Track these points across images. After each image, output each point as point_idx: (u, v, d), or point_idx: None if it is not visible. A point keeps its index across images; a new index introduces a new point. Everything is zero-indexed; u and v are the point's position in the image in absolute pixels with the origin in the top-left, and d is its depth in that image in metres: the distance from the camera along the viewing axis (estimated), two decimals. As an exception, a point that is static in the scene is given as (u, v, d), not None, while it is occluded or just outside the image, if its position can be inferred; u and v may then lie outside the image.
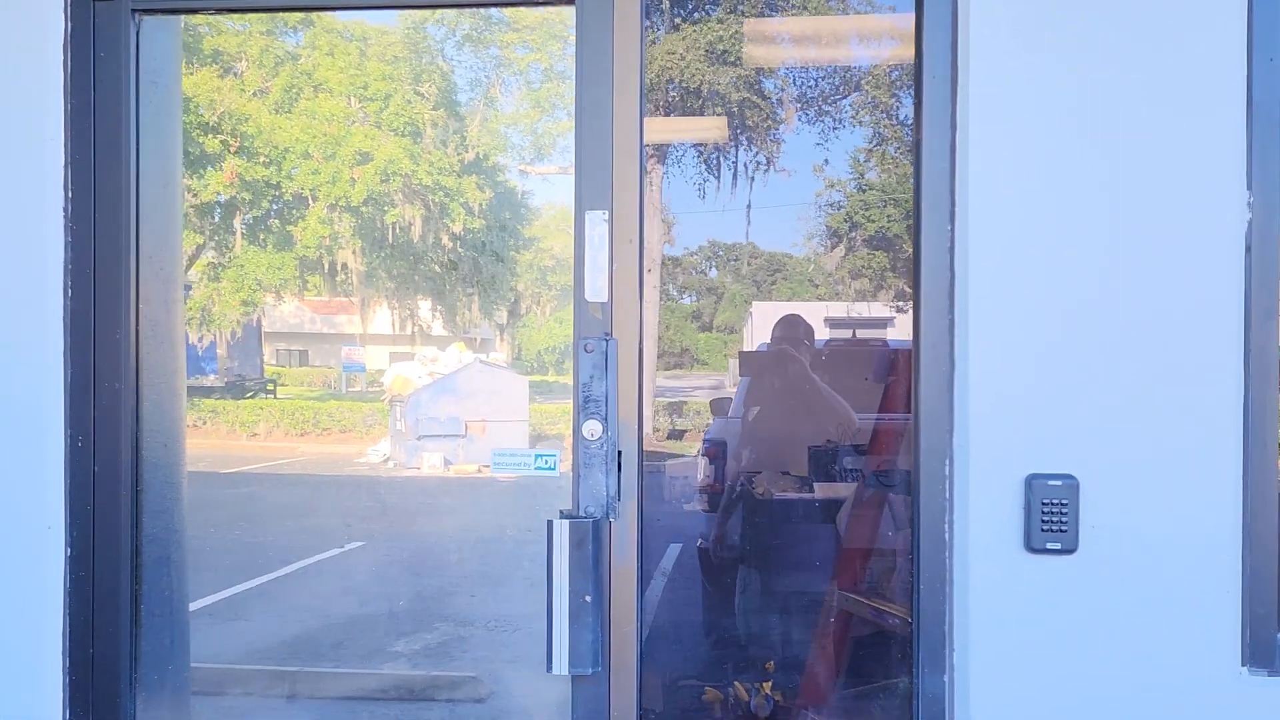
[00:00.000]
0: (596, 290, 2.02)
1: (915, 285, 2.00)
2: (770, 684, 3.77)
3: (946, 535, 1.95)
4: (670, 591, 6.11)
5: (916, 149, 1.99)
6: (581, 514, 1.99)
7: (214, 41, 17.48)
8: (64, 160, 2.10)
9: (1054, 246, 1.90)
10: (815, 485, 4.31)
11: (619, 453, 2.01)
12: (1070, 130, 1.90)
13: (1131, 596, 1.88)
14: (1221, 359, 1.88)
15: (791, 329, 4.63)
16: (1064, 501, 1.87)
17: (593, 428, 2.00)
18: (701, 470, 4.82)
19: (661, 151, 12.29)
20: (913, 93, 2.02)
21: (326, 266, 19.54)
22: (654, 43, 11.06)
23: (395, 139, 18.89)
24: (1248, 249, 1.89)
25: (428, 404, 15.50)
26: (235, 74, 17.68)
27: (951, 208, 1.95)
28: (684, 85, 10.56)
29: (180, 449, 2.57)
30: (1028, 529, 1.88)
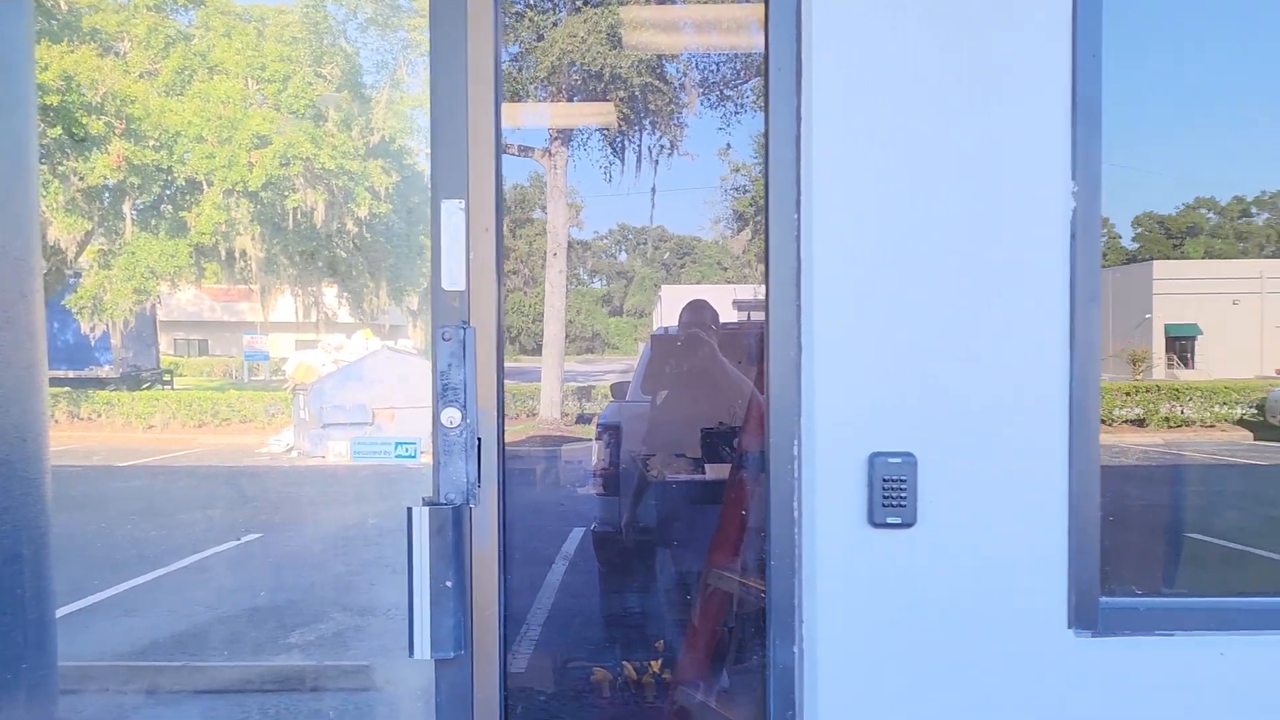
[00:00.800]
0: (453, 279, 2.03)
1: (766, 272, 2.06)
2: (660, 662, 3.86)
3: (795, 512, 2.02)
4: (570, 575, 6.17)
5: (766, 138, 2.05)
6: (442, 500, 2.00)
7: (92, 20, 16.75)
8: (-107, 147, 2.01)
9: (893, 235, 1.98)
10: (707, 467, 4.40)
11: (479, 440, 2.03)
12: (907, 124, 1.98)
13: (967, 566, 1.98)
14: (1049, 341, 1.99)
15: (699, 314, 4.70)
16: (903, 478, 1.96)
17: (451, 415, 2.02)
18: (596, 454, 4.87)
19: (566, 135, 12.28)
20: (762, 82, 2.07)
21: (224, 253, 18.96)
22: (555, 25, 11.04)
23: (295, 122, 18.40)
24: (1073, 236, 2.00)
25: (333, 392, 15.23)
26: (117, 54, 16.97)
27: (798, 196, 2.01)
28: (586, 68, 10.54)
29: (42, 443, 2.50)
30: (870, 504, 1.97)
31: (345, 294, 23.34)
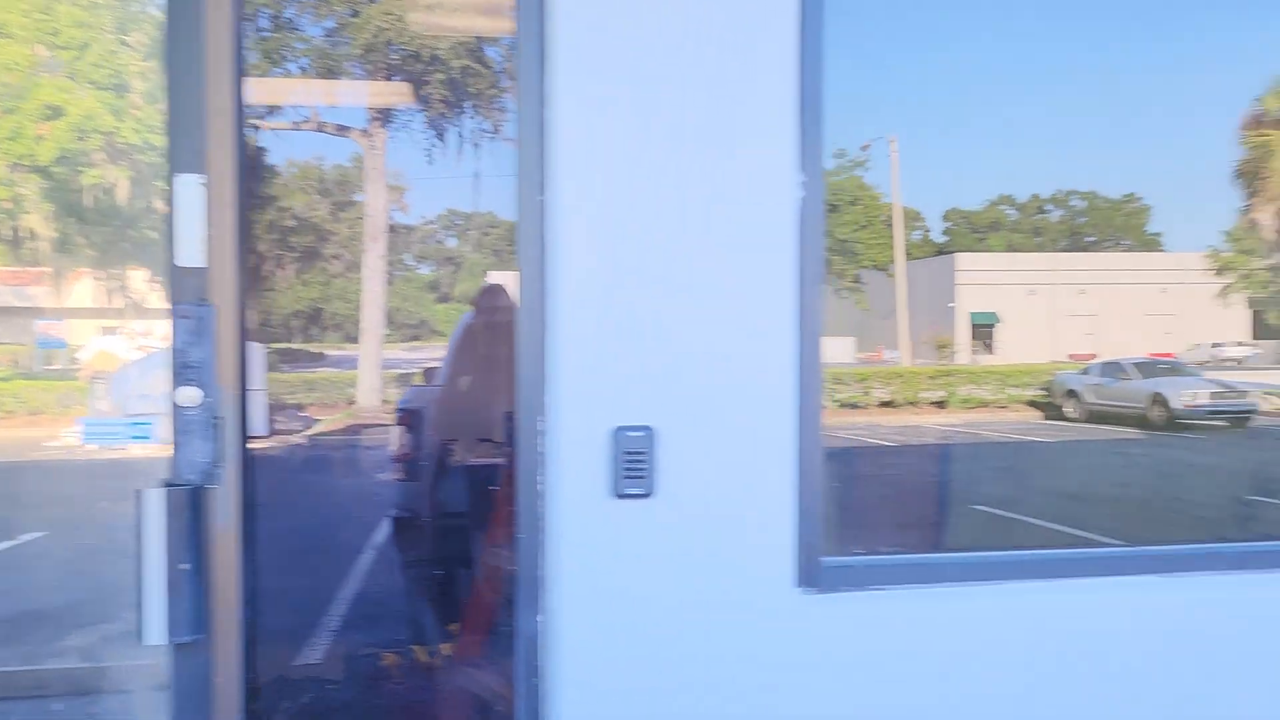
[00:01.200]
0: (191, 256, 1.99)
1: (516, 251, 2.11)
2: (452, 644, 3.87)
3: (540, 486, 2.08)
4: (378, 564, 6.08)
5: (518, 119, 2.10)
6: (180, 481, 1.96)
7: None
8: None
9: (633, 217, 2.06)
10: (508, 450, 4.42)
11: (220, 419, 2.00)
12: (646, 110, 2.06)
13: (703, 532, 2.10)
14: (778, 320, 2.13)
15: (495, 298, 4.70)
16: (642, 451, 2.05)
17: (190, 394, 1.97)
18: (396, 440, 4.81)
19: (385, 115, 11.98)
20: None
21: (10, 233, 17.51)
22: (372, 1, 10.75)
23: (94, 92, 17.17)
24: (800, 223, 2.14)
25: (137, 380, 14.33)
26: None
27: (542, 177, 2.07)
28: (404, 48, 10.30)
29: None
30: (614, 476, 2.05)
31: (157, 278, 21.99)
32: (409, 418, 4.75)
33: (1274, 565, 2.28)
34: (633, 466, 2.05)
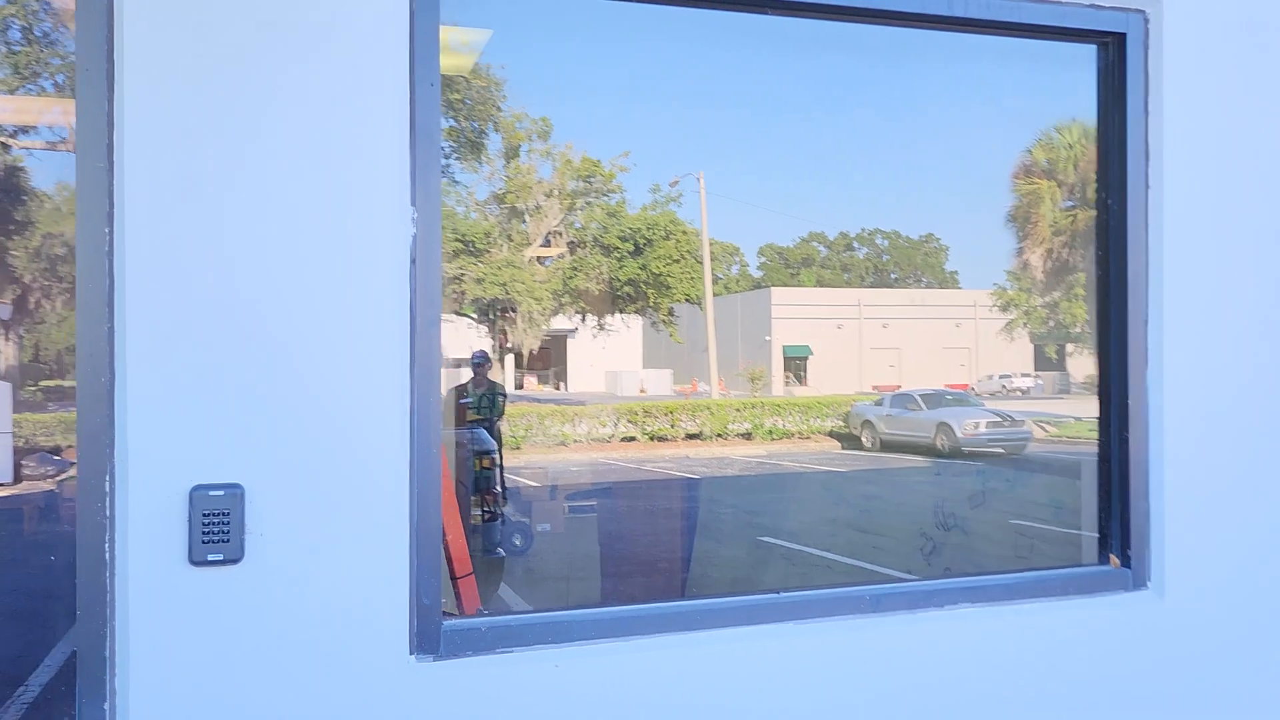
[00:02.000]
0: None
1: (76, 284, 1.87)
2: None
3: (107, 555, 1.85)
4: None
5: (76, 146, 1.87)
6: None
7: None
8: None
9: (220, 254, 1.87)
10: None
11: None
12: (239, 140, 1.89)
13: (302, 599, 1.91)
14: (391, 365, 1.98)
15: None
16: (227, 511, 1.85)
17: None
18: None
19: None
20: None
21: None
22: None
23: None
24: (413, 261, 2.00)
25: None
26: None
27: (110, 210, 1.85)
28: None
29: None
30: (190, 542, 1.84)
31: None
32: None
33: (907, 606, 2.30)
34: (213, 530, 1.85)
